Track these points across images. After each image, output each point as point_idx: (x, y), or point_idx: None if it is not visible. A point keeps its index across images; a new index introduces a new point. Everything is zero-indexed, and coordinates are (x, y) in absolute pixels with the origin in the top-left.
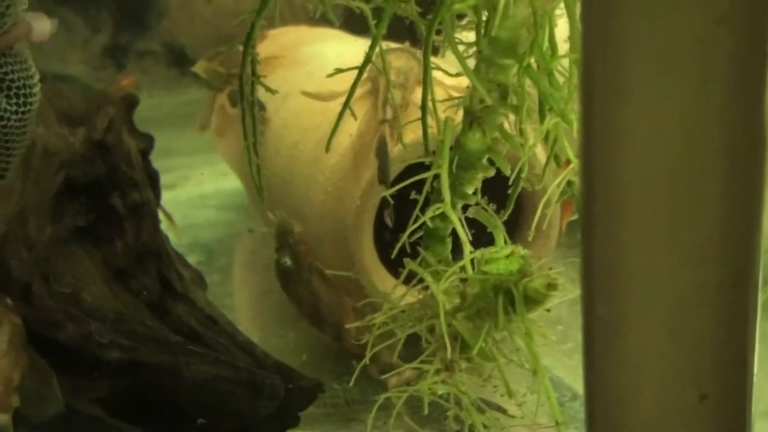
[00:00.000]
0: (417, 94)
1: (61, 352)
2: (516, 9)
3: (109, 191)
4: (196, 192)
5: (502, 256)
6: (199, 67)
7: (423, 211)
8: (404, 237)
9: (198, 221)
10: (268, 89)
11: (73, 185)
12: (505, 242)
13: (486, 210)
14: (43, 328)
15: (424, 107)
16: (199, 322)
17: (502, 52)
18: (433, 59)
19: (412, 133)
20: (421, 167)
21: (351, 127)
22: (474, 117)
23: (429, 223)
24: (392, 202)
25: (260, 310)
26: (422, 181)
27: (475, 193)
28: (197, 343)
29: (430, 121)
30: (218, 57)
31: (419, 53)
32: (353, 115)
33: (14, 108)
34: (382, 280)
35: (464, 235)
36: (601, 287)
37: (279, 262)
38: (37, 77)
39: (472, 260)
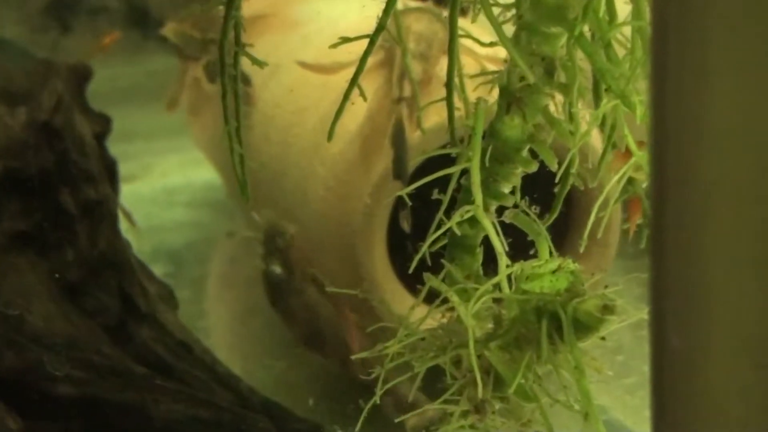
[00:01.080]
0: (442, 67)
1: (1, 386)
2: None
3: (58, 186)
4: (160, 185)
5: (547, 272)
6: (169, 31)
7: (448, 214)
8: (425, 246)
9: (163, 222)
10: (255, 61)
11: (13, 179)
12: (551, 254)
13: (527, 213)
14: None
15: (449, 84)
16: (169, 350)
17: (548, 17)
18: (461, 23)
19: (436, 116)
20: (446, 159)
21: (358, 107)
22: (512, 98)
23: (456, 230)
24: (410, 202)
25: (242, 334)
26: (447, 178)
27: (513, 193)
28: (167, 377)
29: (458, 101)
30: (191, 18)
31: (445, 15)
32: (362, 93)
33: None
34: (396, 298)
35: (499, 245)
36: (675, 311)
37: (266, 271)
38: None
39: (509, 276)
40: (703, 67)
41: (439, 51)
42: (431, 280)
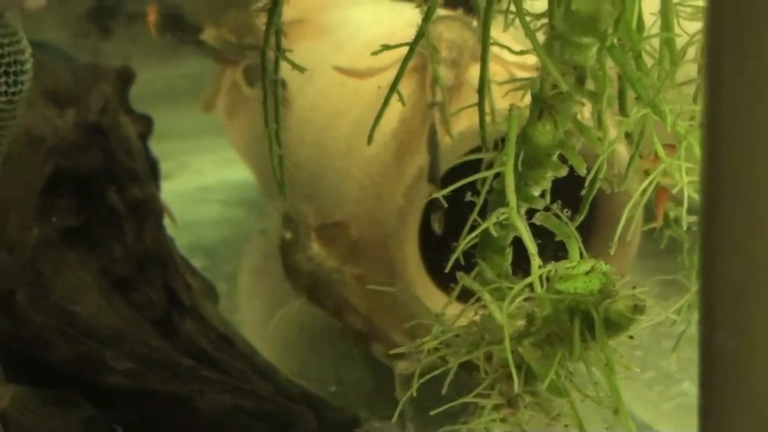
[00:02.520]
0: (472, 74)
1: (51, 376)
2: None
3: (106, 185)
4: (196, 183)
5: (581, 273)
6: (208, 35)
7: (480, 216)
8: (461, 246)
9: (198, 219)
10: (296, 66)
11: (64, 178)
12: (581, 255)
13: (559, 216)
14: (29, 347)
15: (482, 90)
16: (211, 342)
17: (580, 28)
18: (491, 31)
19: (467, 120)
20: (476, 163)
21: (391, 110)
22: (545, 105)
23: (492, 231)
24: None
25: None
26: (475, 180)
27: (542, 196)
28: (210, 368)
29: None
30: (229, 24)
31: (475, 23)
32: (401, 98)
33: (3, 88)
34: (429, 295)
35: (532, 246)
36: (726, 313)
37: (281, 240)
38: (29, 52)
39: (541, 276)
40: (760, 77)
41: (470, 58)
42: (464, 279)
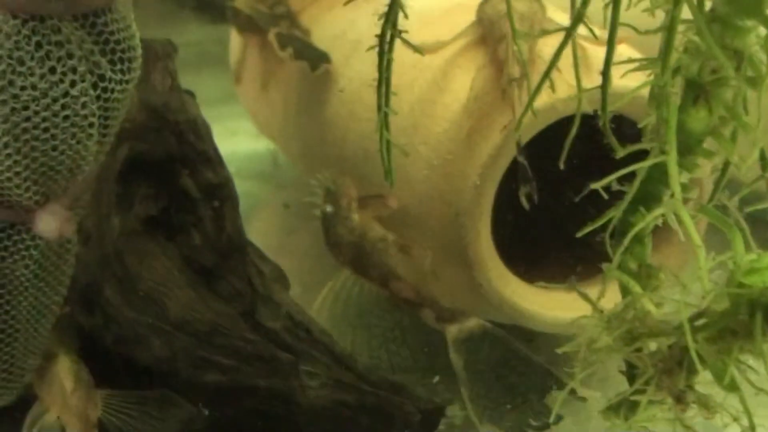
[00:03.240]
0: (540, 47)
1: (145, 374)
2: None
3: (179, 170)
4: None
5: (766, 266)
6: (241, 3)
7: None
8: (606, 237)
9: None
10: (414, 48)
11: (140, 162)
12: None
13: (726, 207)
14: (121, 345)
15: (606, 71)
16: (288, 331)
17: (744, 11)
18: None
19: (545, 96)
20: (552, 137)
21: (460, 87)
22: (701, 90)
23: (630, 218)
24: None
25: (305, 304)
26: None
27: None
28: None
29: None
30: None
31: None
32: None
33: (118, 76)
34: (499, 276)
35: (697, 239)
36: None
37: (322, 213)
38: (138, 37)
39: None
40: None
41: (540, 31)
42: (611, 271)
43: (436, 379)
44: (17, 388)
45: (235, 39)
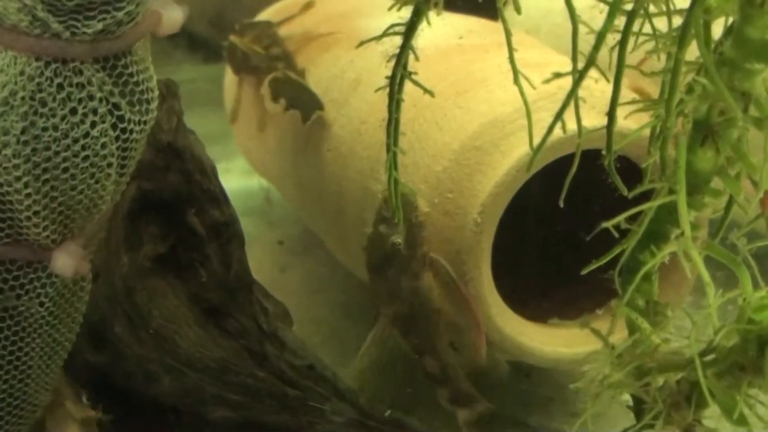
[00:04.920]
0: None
1: (156, 411)
2: None
3: (186, 208)
4: None
5: None
6: (236, 40)
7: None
8: (615, 275)
9: None
10: (425, 90)
11: (148, 201)
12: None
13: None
14: (130, 381)
15: (612, 112)
16: (293, 368)
17: (753, 54)
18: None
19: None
20: (560, 169)
21: (458, 125)
22: (710, 131)
23: (639, 256)
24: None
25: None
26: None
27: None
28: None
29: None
30: (248, 33)
31: None
32: None
33: (137, 117)
34: (499, 313)
35: (707, 276)
36: None
37: (382, 234)
38: (155, 79)
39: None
40: None
41: None
42: (621, 308)
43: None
44: (29, 424)
45: (230, 78)
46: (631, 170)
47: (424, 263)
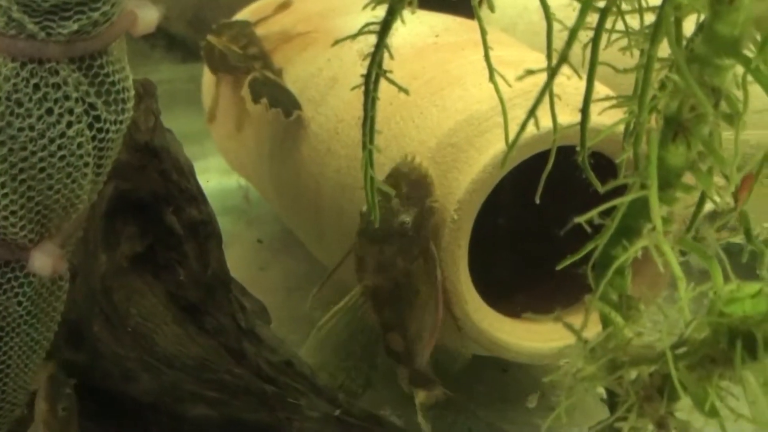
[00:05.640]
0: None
1: (134, 409)
2: (749, 2)
3: (164, 207)
4: None
5: (747, 295)
6: (212, 40)
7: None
8: (588, 269)
9: None
10: (400, 88)
11: (125, 200)
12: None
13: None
14: (109, 380)
15: (585, 109)
16: (271, 365)
17: (722, 50)
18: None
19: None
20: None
21: (434, 123)
22: (680, 127)
23: (611, 251)
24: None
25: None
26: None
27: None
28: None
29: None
30: (226, 33)
31: None
32: None
33: (113, 117)
34: (477, 309)
35: (679, 271)
36: None
37: (392, 209)
38: (131, 79)
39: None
40: None
41: None
42: (594, 302)
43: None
44: (7, 423)
45: (207, 78)
46: (608, 166)
47: (423, 248)
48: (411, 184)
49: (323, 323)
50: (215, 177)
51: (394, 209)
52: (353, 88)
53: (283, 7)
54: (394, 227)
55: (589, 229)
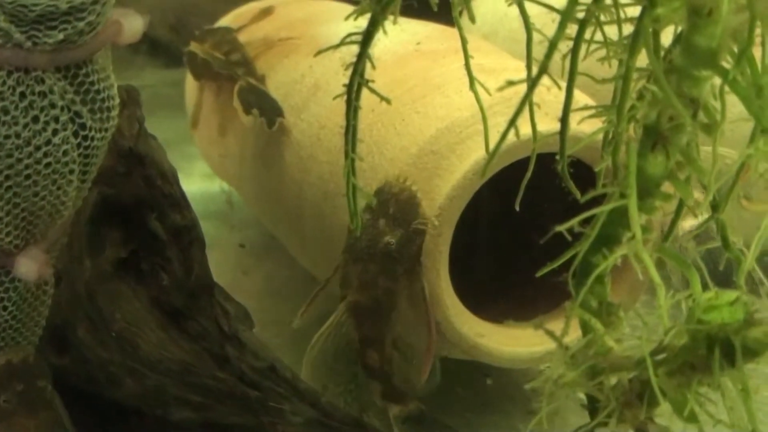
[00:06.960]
0: None
1: (119, 413)
2: (727, 14)
3: (147, 213)
4: None
5: (724, 303)
6: (196, 49)
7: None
8: (569, 276)
9: None
10: (381, 97)
11: (109, 206)
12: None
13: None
14: (94, 384)
15: (564, 119)
16: (254, 369)
17: (700, 62)
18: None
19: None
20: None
21: (416, 130)
22: (659, 137)
23: (591, 259)
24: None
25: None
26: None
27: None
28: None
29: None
30: (208, 40)
31: None
32: None
33: (98, 125)
34: (457, 314)
35: (657, 278)
36: None
37: (378, 229)
38: (116, 87)
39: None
40: None
41: None
42: (574, 309)
43: None
44: None
45: (190, 84)
46: (588, 173)
47: (408, 269)
48: (399, 204)
49: (314, 343)
50: (198, 182)
51: (380, 229)
52: (335, 98)
53: (265, 13)
54: (379, 247)
55: (569, 237)
